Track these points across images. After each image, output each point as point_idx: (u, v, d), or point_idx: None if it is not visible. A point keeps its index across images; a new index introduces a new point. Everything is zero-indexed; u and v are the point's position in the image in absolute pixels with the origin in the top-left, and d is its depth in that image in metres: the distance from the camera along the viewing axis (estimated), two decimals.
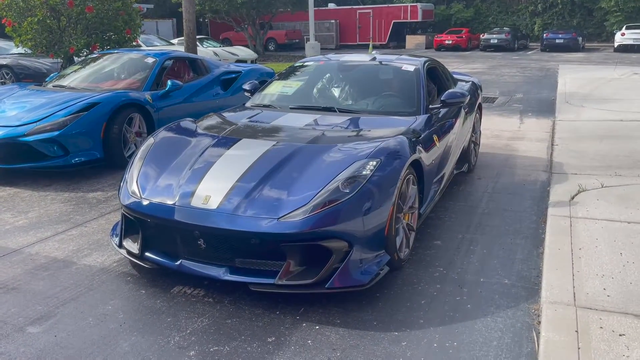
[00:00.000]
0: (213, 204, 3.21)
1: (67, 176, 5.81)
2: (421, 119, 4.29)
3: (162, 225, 3.32)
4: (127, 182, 3.64)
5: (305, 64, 5.42)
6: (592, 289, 3.09)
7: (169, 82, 6.69)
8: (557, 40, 28.48)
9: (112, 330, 2.94)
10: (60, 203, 5.03)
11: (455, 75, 6.50)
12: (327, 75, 5.15)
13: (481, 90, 6.76)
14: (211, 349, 2.77)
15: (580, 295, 3.01)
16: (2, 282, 3.47)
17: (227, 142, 3.82)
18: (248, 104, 4.94)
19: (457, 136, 4.94)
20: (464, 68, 18.83)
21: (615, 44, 27.69)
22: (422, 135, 4.05)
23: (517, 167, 6.23)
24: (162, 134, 4.05)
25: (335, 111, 4.47)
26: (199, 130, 4.09)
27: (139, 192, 3.48)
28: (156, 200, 3.37)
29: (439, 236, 4.22)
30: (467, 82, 6.34)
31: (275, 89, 5.10)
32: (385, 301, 3.23)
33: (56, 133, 5.52)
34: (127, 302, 3.23)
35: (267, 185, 3.28)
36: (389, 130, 3.98)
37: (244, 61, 19.10)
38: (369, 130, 4.00)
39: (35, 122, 5.61)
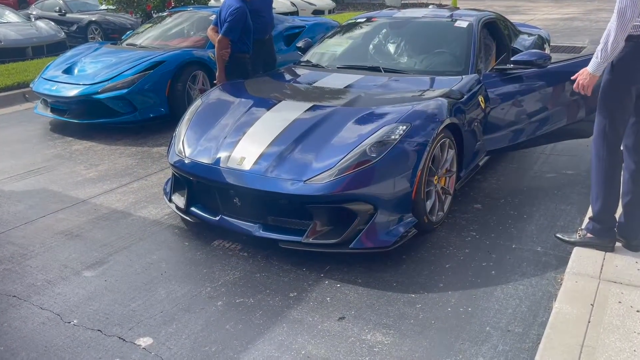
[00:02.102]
0: (246, 165, 3.39)
1: (135, 131, 6.24)
2: (467, 79, 4.17)
3: (203, 183, 3.56)
4: (174, 142, 3.90)
5: (358, 21, 5.37)
6: (623, 262, 2.98)
7: None
8: None
9: (154, 278, 3.25)
10: (127, 157, 5.45)
11: (521, 28, 6.16)
12: (377, 33, 5.09)
13: (549, 44, 6.37)
14: (237, 300, 3.00)
15: (609, 268, 2.93)
16: (68, 230, 3.90)
17: (267, 104, 3.95)
18: (297, 63, 5.02)
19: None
20: (555, 14, 17.58)
21: None
22: (465, 97, 3.96)
23: None
24: (210, 95, 4.25)
25: (380, 71, 4.45)
26: (245, 92, 4.25)
27: (184, 151, 3.73)
28: (198, 160, 3.60)
29: (481, 200, 4.18)
30: (532, 35, 6.00)
31: (326, 47, 5.13)
32: (409, 263, 3.31)
33: (125, 91, 5.91)
34: (171, 253, 3.54)
35: (297, 148, 3.40)
36: (429, 92, 3.93)
37: (321, 11, 18.94)
38: (409, 92, 3.97)
39: (108, 80, 6.03)
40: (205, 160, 3.57)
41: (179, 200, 3.82)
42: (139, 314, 2.91)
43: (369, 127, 3.42)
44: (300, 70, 4.74)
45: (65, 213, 4.18)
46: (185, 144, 3.79)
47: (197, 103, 4.17)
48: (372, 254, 3.32)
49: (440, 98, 3.71)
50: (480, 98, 4.14)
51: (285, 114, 3.75)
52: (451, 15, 5.00)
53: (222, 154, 3.53)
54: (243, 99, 4.10)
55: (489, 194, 4.29)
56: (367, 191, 3.17)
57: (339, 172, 3.18)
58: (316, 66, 4.81)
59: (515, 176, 4.65)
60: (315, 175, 3.20)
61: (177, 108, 6.25)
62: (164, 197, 4.07)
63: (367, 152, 3.23)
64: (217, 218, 3.55)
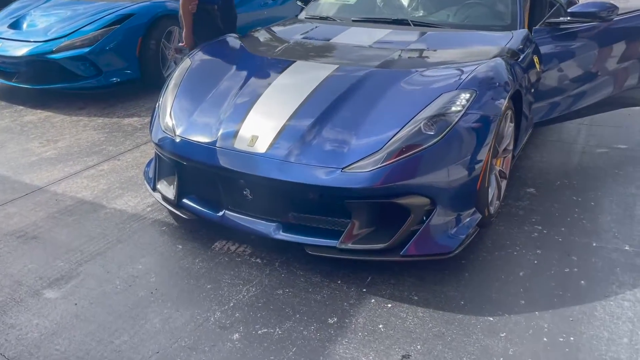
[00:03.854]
0: (261, 146, 2.56)
1: (101, 98, 5.28)
2: (518, 35, 3.40)
3: (201, 169, 2.73)
4: (159, 115, 3.03)
5: None
6: None
7: None
8: None
9: (142, 298, 2.44)
10: (92, 130, 4.52)
11: None
12: None
13: None
14: (259, 332, 2.23)
15: None
16: (22, 229, 3.02)
17: (277, 65, 3.10)
18: (301, 16, 4.14)
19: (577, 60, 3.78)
20: None
21: None
22: (521, 57, 3.20)
23: None
24: (201, 54, 3.36)
25: (408, 24, 3.62)
26: (244, 50, 3.37)
27: (173, 128, 2.87)
28: (193, 139, 2.75)
29: (532, 182, 3.48)
30: None
31: None
32: (472, 271, 2.59)
33: (86, 50, 4.91)
34: (161, 261, 2.72)
35: (327, 124, 2.59)
36: (479, 50, 3.14)
37: None
38: (455, 50, 3.17)
39: (64, 36, 5.01)
40: (202, 139, 2.73)
41: (167, 189, 2.98)
42: (127, 357, 2.11)
43: (420, 96, 2.63)
44: (306, 25, 3.86)
45: (17, 206, 3.29)
46: (174, 117, 2.92)
47: (185, 64, 3.28)
48: (423, 260, 2.58)
49: (498, 59, 2.93)
50: (536, 59, 3.39)
51: (304, 78, 2.92)
52: None
53: (226, 131, 2.70)
54: (243, 59, 3.24)
55: (538, 174, 3.60)
56: (425, 180, 2.40)
57: (387, 156, 2.39)
58: (325, 19, 3.94)
59: (560, 152, 3.97)
60: (357, 161, 2.41)
61: (149, 71, 5.30)
62: (146, 183, 3.21)
63: (422, 129, 2.45)
64: (220, 214, 2.73)
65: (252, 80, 2.97)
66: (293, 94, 2.80)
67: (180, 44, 4.33)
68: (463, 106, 2.51)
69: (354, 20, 3.80)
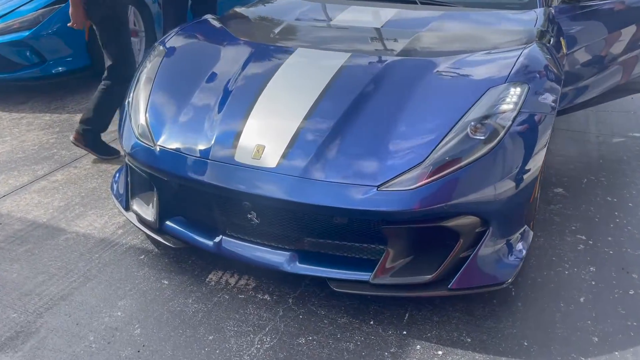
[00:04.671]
0: (270, 159, 2.04)
1: (47, 91, 4.55)
2: (541, 15, 2.97)
3: (191, 188, 2.19)
4: (130, 116, 2.45)
5: None
6: None
7: None
8: None
9: None
10: (39, 130, 3.84)
11: None
12: None
13: None
14: None
15: None
16: None
17: (275, 53, 2.56)
18: None
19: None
20: None
21: None
22: (552, 40, 2.79)
23: None
24: (176, 40, 2.76)
25: (414, 2, 3.12)
26: (229, 35, 2.80)
27: (151, 134, 2.30)
28: (178, 149, 2.20)
29: (558, 181, 3.10)
30: None
31: None
32: (525, 300, 2.18)
33: (26, 34, 4.17)
34: (145, 304, 2.17)
35: (352, 129, 2.09)
36: (509, 33, 2.70)
37: None
38: (481, 33, 2.71)
39: None
40: (191, 150, 2.18)
41: (145, 209, 2.41)
42: None
43: (461, 92, 2.17)
44: (294, 2, 3.30)
45: None
46: (151, 121, 2.35)
47: (157, 52, 2.68)
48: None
49: (537, 44, 2.50)
50: (562, 42, 2.99)
51: (313, 70, 2.40)
52: None
53: (222, 140, 2.15)
54: (231, 46, 2.67)
55: (561, 171, 3.23)
56: (479, 197, 1.95)
57: (433, 169, 1.93)
58: None
59: (575, 143, 3.62)
60: (395, 177, 1.93)
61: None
62: (115, 200, 2.63)
63: (469, 134, 1.99)
64: (216, 241, 2.21)
65: (248, 72, 2.43)
66: (302, 90, 2.28)
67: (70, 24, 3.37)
68: (515, 104, 2.06)
69: None
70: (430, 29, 2.70)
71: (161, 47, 2.70)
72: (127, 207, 2.50)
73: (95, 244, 2.54)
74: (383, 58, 2.40)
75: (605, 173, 3.19)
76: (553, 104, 2.20)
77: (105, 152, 3.36)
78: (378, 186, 1.92)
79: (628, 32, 3.35)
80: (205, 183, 2.10)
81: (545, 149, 2.13)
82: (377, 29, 2.73)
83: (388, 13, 2.91)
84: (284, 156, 2.04)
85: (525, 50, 2.36)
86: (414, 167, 1.94)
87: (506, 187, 2.00)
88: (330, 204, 1.93)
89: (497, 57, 2.37)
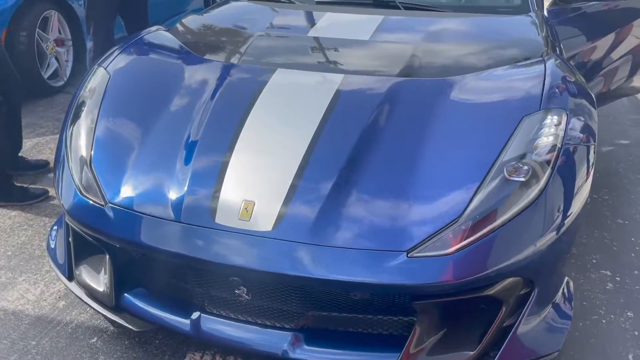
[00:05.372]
0: (263, 221, 1.58)
1: None
2: (539, 19, 2.67)
3: (159, 259, 1.70)
4: (68, 163, 1.91)
5: None
6: None
7: None
8: None
9: None
10: None
11: None
12: None
13: None
14: None
15: None
16: None
17: (250, 78, 2.09)
18: None
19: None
20: None
21: None
22: (557, 50, 2.48)
23: None
24: (122, 60, 2.21)
25: (396, 7, 2.72)
26: (189, 53, 2.28)
27: (99, 188, 1.78)
28: (138, 209, 1.70)
29: None
30: None
31: None
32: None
33: None
34: None
35: (364, 175, 1.66)
36: (517, 44, 2.36)
37: None
38: (486, 45, 2.34)
39: None
40: (154, 209, 1.68)
41: (95, 280, 1.88)
42: None
43: (488, 121, 1.79)
44: (257, 9, 2.81)
45: None
46: (99, 170, 1.83)
47: (99, 78, 2.12)
48: None
49: (553, 57, 2.16)
50: (563, 49, 2.69)
51: (302, 99, 1.95)
52: None
53: (196, 194, 1.68)
54: (194, 67, 2.17)
55: None
56: (528, 253, 1.59)
57: (472, 225, 1.54)
58: (278, 1, 2.91)
59: None
60: (428, 239, 1.52)
61: (22, 72, 3.87)
62: (53, 266, 2.07)
63: (506, 176, 1.62)
64: (193, 319, 1.72)
65: (220, 102, 1.94)
66: (294, 124, 1.84)
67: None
68: (556, 136, 1.71)
69: (318, 2, 2.83)
70: (427, 40, 2.31)
71: (103, 70, 2.16)
72: (71, 276, 1.96)
73: (30, 325, 2.00)
74: (385, 79, 1.99)
75: (606, 190, 2.94)
76: (594, 130, 1.87)
77: (23, 197, 2.77)
78: (407, 251, 1.51)
79: (608, 40, 3.13)
80: (177, 254, 1.62)
81: (589, 183, 1.79)
82: (366, 42, 2.30)
83: (372, 22, 2.49)
84: (281, 215, 1.59)
85: (548, 66, 2.01)
86: (449, 224, 1.54)
87: (552, 235, 1.65)
88: (350, 277, 1.50)
89: (517, 75, 2.01)
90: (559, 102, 1.83)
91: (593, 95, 2.01)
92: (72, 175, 1.86)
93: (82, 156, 1.89)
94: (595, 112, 1.95)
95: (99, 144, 1.90)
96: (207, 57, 2.23)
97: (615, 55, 3.18)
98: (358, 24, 2.52)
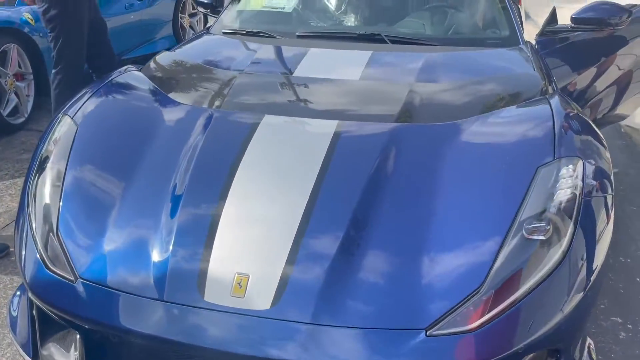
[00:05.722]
0: (259, 297, 1.39)
1: None
2: (531, 50, 2.57)
3: (139, 343, 1.48)
4: (31, 229, 1.68)
5: None
6: None
7: None
8: None
9: None
10: None
11: None
12: None
13: None
14: None
15: None
16: None
17: (235, 125, 1.91)
18: (216, 30, 2.87)
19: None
20: None
21: None
22: (554, 85, 2.38)
23: None
24: (91, 106, 1.99)
25: (383, 41, 2.57)
26: (165, 97, 2.07)
27: (68, 260, 1.56)
28: (113, 285, 1.49)
29: None
30: None
31: (260, 1, 3.07)
32: None
33: None
34: None
35: (372, 238, 1.49)
36: (512, 79, 2.25)
37: None
38: (485, 83, 2.20)
39: None
40: (133, 285, 1.48)
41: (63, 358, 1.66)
42: None
43: (502, 174, 1.64)
44: (235, 45, 2.64)
45: None
46: (67, 236, 1.61)
47: (66, 126, 1.90)
48: None
49: (557, 96, 2.05)
50: (555, 81, 2.60)
51: (294, 150, 1.77)
52: None
53: (180, 267, 1.48)
54: (171, 113, 1.96)
55: None
56: (552, 324, 1.43)
57: (493, 294, 1.38)
58: (256, 35, 2.73)
59: None
60: (448, 313, 1.35)
61: None
62: (13, 339, 1.82)
63: (525, 234, 1.47)
64: None
65: (204, 155, 1.74)
66: (287, 179, 1.65)
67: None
68: (574, 186, 1.57)
69: (299, 36, 2.67)
70: (422, 79, 2.16)
71: (70, 119, 1.94)
72: (36, 355, 1.72)
73: None
74: (384, 126, 1.83)
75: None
76: (609, 173, 1.76)
77: None
78: (426, 329, 1.34)
79: (594, 70, 3.08)
80: (161, 339, 1.41)
81: (611, 229, 1.66)
82: (356, 83, 2.14)
83: (360, 59, 2.33)
84: (280, 290, 1.40)
85: (554, 107, 1.89)
86: (470, 295, 1.38)
87: (578, 296, 1.50)
88: None
89: (525, 118, 1.89)
90: (571, 147, 1.70)
91: (599, 133, 1.90)
92: (35, 243, 1.64)
93: (47, 220, 1.67)
94: (606, 151, 1.84)
95: (67, 206, 1.68)
96: (185, 101, 2.03)
97: (600, 85, 3.13)
98: (345, 61, 2.36)
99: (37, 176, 1.81)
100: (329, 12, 2.98)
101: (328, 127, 1.82)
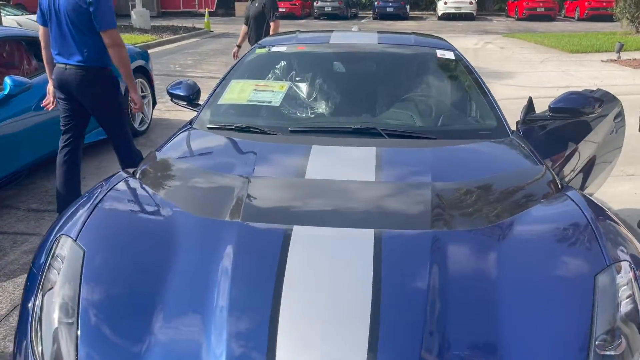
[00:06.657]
0: None
1: None
2: (521, 142, 2.64)
3: None
4: None
5: (273, 50, 3.33)
6: None
7: (8, 81, 4.03)
8: (388, 9, 28.62)
9: None
10: None
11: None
12: (321, 70, 3.19)
13: None
14: None
15: None
16: None
17: (266, 238, 1.77)
18: (199, 125, 2.77)
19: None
20: None
21: (439, 13, 28.80)
22: (550, 169, 2.44)
23: None
24: (92, 226, 1.78)
25: (378, 135, 2.55)
26: (171, 207, 1.91)
27: None
28: None
29: None
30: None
31: (244, 94, 2.98)
32: None
33: None
34: None
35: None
36: (526, 173, 2.29)
37: None
38: (501, 181, 2.20)
39: None
40: None
41: None
42: None
43: (560, 286, 1.61)
44: (231, 144, 2.51)
45: None
46: None
47: (70, 251, 1.69)
48: None
49: (571, 189, 2.09)
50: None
51: (337, 264, 1.64)
52: (414, 42, 3.42)
53: None
54: (189, 230, 1.79)
55: None
56: None
57: None
58: (246, 130, 2.64)
59: None
60: None
61: None
62: None
63: (597, 350, 1.42)
64: None
65: (239, 274, 1.58)
66: (340, 305, 1.52)
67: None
68: (634, 294, 1.56)
69: (292, 131, 2.61)
70: (437, 179, 2.11)
71: (71, 240, 1.72)
72: None
73: None
74: (423, 234, 1.75)
75: None
76: None
77: None
78: None
79: (566, 154, 3.23)
80: None
81: None
82: (374, 185, 2.07)
83: (367, 157, 2.29)
84: None
85: (578, 202, 1.94)
86: None
87: None
88: None
89: (557, 217, 1.90)
90: (615, 249, 1.71)
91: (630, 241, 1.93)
92: None
93: None
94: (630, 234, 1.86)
95: (85, 349, 1.45)
96: (200, 213, 1.87)
97: (567, 169, 3.26)
98: (353, 160, 2.31)
99: (40, 312, 1.56)
100: (312, 105, 2.94)
101: (366, 237, 1.73)
